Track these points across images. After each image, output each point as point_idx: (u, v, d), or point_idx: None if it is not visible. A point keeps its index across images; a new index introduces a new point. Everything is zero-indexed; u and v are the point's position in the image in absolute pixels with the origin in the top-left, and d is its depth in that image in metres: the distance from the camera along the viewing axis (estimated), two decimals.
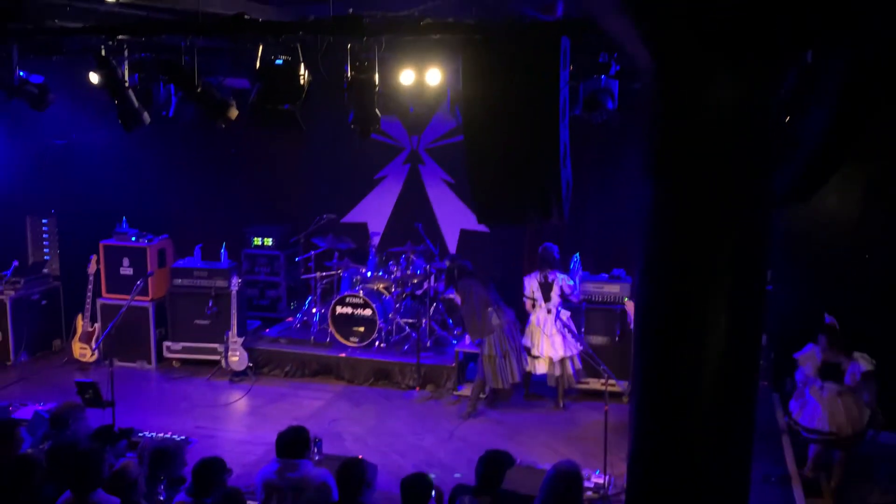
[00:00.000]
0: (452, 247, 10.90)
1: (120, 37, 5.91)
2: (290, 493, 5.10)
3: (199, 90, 6.22)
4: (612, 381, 7.03)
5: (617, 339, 8.74)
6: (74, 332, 9.90)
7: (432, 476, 5.67)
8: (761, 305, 3.23)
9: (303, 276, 10.69)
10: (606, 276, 9.07)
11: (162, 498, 5.06)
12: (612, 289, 8.89)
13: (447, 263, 8.95)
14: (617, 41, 3.42)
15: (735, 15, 2.88)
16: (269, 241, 10.92)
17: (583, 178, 5.36)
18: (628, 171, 8.99)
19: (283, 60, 5.93)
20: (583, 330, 8.80)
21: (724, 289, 3.10)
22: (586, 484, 6.56)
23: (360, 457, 5.49)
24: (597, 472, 6.85)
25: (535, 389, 9.04)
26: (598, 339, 8.77)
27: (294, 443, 5.27)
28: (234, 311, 9.44)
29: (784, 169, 4.15)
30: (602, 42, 6.11)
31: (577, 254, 9.30)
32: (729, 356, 3.14)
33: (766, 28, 2.89)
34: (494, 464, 5.11)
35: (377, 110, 6.41)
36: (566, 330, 8.25)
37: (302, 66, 5.92)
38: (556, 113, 4.66)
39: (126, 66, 6.51)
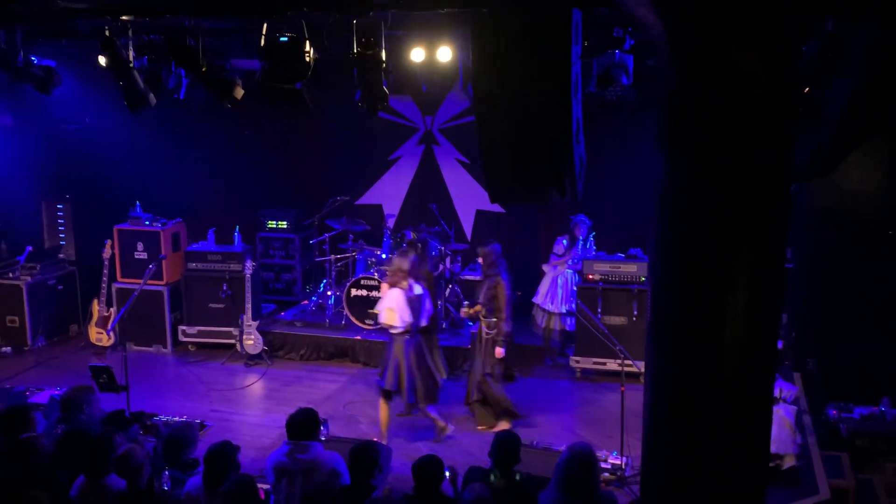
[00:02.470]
0: (468, 227, 10.81)
1: (124, 17, 5.84)
2: (300, 475, 5.06)
3: (203, 70, 6.14)
4: (628, 362, 6.94)
5: (634, 318, 8.63)
6: (90, 317, 9.93)
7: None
8: (781, 283, 3.12)
9: (317, 259, 10.65)
10: (623, 255, 8.96)
11: (167, 487, 5.02)
12: (629, 268, 8.78)
13: (410, 241, 8.52)
14: (629, 11, 3.29)
15: None
16: (283, 224, 10.89)
17: (598, 156, 5.24)
18: (644, 148, 8.81)
19: (288, 38, 5.83)
20: (599, 310, 8.70)
21: (741, 266, 3.00)
22: (603, 465, 6.50)
23: (375, 440, 5.46)
24: (614, 454, 6.78)
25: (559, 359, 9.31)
26: (614, 319, 8.67)
27: (304, 424, 5.23)
28: (248, 295, 9.41)
29: (805, 142, 4.02)
30: (616, 16, 5.96)
31: (593, 233, 9.19)
32: (748, 336, 3.04)
33: None
34: (509, 445, 5.05)
35: (386, 88, 6.30)
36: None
37: (307, 43, 5.82)
38: (568, 89, 4.54)
39: (131, 47, 6.44)
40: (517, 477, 4.96)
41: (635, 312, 8.63)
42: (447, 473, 5.01)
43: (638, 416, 6.23)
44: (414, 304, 7.10)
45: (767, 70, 2.90)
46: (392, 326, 7.11)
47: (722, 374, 3.01)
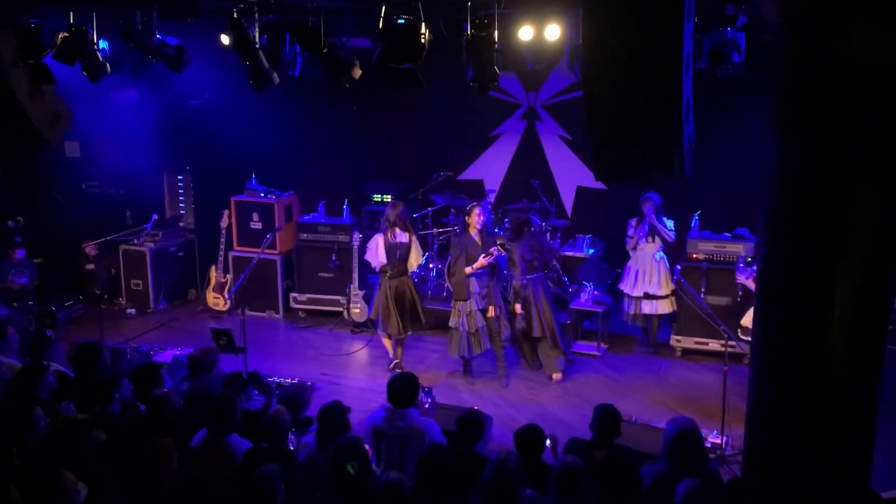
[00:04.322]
0: (569, 203, 10.84)
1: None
2: (397, 440, 5.29)
3: (324, 51, 6.37)
4: (732, 343, 6.89)
5: (739, 299, 8.52)
6: (208, 283, 10.50)
7: None
8: (894, 267, 3.11)
9: (420, 233, 10.87)
10: (729, 235, 8.84)
11: (292, 447, 5.32)
12: (735, 248, 8.66)
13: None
14: None
15: None
16: (388, 198, 11.13)
17: (705, 133, 5.21)
18: (755, 126, 8.65)
19: (405, 20, 6.00)
20: (703, 290, 8.63)
21: (853, 250, 3.01)
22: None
23: (476, 408, 5.64)
24: (713, 433, 6.78)
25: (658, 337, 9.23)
26: (719, 300, 8.58)
27: (404, 389, 5.45)
28: (355, 265, 9.76)
29: None
30: None
31: (699, 212, 9.08)
32: (857, 319, 3.05)
33: None
34: (610, 418, 5.14)
35: (496, 67, 6.40)
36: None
37: (423, 24, 5.97)
38: (679, 67, 4.54)
39: (256, 28, 6.74)
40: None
41: (740, 293, 8.51)
42: (548, 442, 5.15)
43: (739, 396, 6.20)
44: (393, 248, 8.38)
45: (886, 52, 2.88)
46: (373, 267, 8.51)
47: (831, 355, 3.05)
